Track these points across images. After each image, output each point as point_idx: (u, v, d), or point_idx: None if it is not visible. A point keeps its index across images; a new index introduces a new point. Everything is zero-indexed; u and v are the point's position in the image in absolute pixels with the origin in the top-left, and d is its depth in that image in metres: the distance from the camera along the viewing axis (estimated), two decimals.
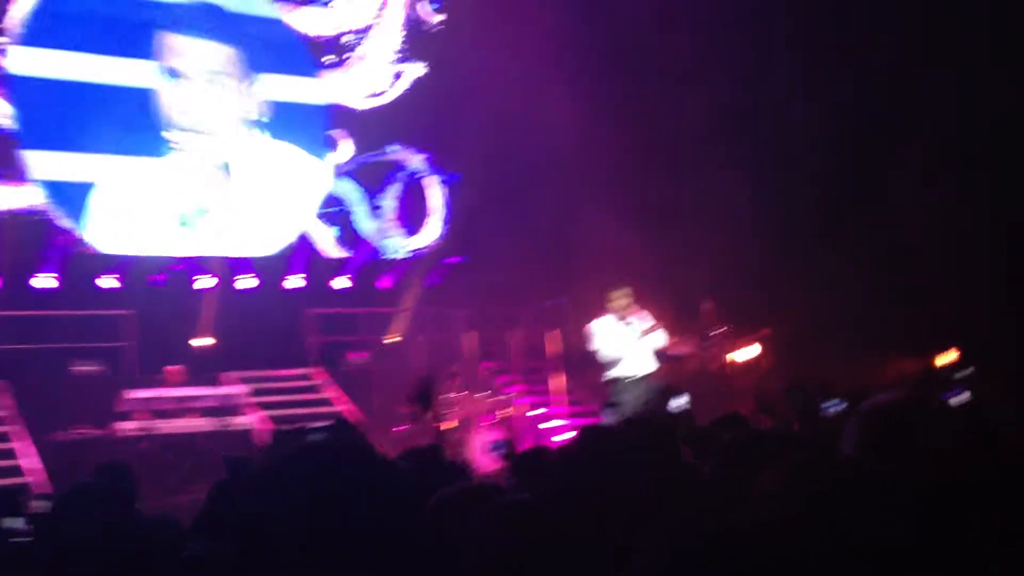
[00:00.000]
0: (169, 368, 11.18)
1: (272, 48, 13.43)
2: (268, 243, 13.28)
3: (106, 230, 12.21)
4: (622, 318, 8.99)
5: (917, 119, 12.09)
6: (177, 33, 12.67)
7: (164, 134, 12.52)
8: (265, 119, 13.21)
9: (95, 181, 12.08)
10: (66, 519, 3.21)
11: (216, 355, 12.21)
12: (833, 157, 12.56)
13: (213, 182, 12.81)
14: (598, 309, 9.35)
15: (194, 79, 12.75)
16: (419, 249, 14.25)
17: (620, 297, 9.02)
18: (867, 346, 11.30)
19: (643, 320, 9.02)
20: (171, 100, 12.59)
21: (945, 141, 11.87)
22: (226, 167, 12.90)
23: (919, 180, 11.97)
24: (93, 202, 12.08)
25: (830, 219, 12.59)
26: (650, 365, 9.01)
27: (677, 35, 12.85)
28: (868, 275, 12.04)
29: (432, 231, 14.28)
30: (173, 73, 12.62)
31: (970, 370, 10.62)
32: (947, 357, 11.73)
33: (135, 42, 12.45)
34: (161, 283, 12.53)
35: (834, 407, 5.27)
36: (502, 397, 12.24)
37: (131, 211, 12.29)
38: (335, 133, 13.83)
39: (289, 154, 13.40)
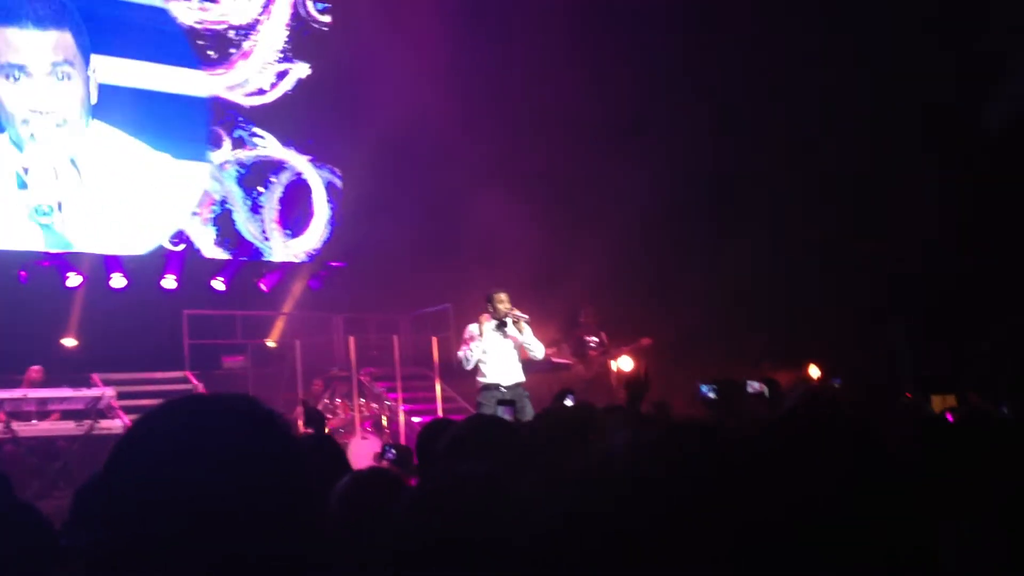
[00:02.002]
0: (31, 369, 10.72)
1: (154, 38, 13.00)
2: (136, 242, 12.77)
3: None
4: (500, 323, 8.95)
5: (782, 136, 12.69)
6: (10, 26, 11.98)
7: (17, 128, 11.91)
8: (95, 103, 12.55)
9: None
10: None
11: (84, 356, 11.72)
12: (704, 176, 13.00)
13: (63, 176, 12.17)
14: (478, 313, 9.32)
15: (36, 73, 12.08)
16: (301, 252, 14.01)
17: (498, 301, 8.95)
18: (737, 358, 11.68)
19: (521, 326, 8.97)
20: (15, 98, 11.95)
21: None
22: (73, 161, 12.26)
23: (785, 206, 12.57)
24: None
25: (704, 236, 13.04)
26: (521, 373, 8.94)
27: (564, 33, 13.05)
28: (735, 293, 12.51)
29: (315, 234, 14.06)
30: (14, 69, 11.95)
31: (836, 381, 11.17)
32: (813, 370, 12.25)
33: None
34: (23, 280, 11.94)
35: (710, 391, 5.54)
36: (382, 403, 12.16)
37: None
38: (217, 130, 13.47)
39: (136, 149, 12.77)
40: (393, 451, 4.85)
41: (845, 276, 12.28)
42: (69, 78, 12.27)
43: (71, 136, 12.24)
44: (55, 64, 12.16)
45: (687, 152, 12.39)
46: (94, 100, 12.44)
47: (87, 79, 12.38)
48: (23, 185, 11.88)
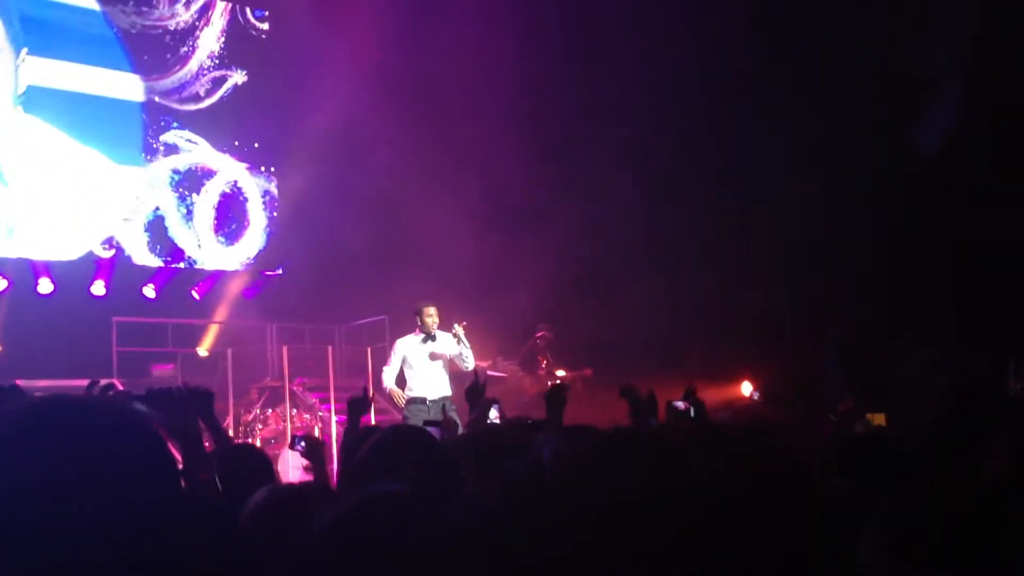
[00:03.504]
0: None
1: (89, 40, 12.75)
2: (65, 247, 12.49)
3: None
4: (428, 336, 8.89)
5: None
6: None
7: None
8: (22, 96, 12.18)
9: None
10: None
11: (8, 362, 11.39)
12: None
13: None
14: (409, 327, 9.27)
15: None
16: (236, 260, 13.82)
17: (426, 315, 8.90)
18: (671, 375, 11.74)
19: (450, 339, 8.92)
20: None
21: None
22: None
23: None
24: None
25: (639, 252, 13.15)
26: (447, 386, 8.91)
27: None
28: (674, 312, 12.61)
29: (250, 242, 13.89)
30: None
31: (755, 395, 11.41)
32: (745, 388, 12.39)
33: None
34: None
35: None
36: (315, 414, 12.01)
37: None
38: (151, 135, 13.25)
39: (65, 146, 12.43)
40: (303, 443, 4.60)
41: (785, 292, 12.45)
42: None
43: None
44: None
45: (629, 161, 12.54)
46: (21, 91, 12.09)
47: (15, 69, 12.04)
48: None
